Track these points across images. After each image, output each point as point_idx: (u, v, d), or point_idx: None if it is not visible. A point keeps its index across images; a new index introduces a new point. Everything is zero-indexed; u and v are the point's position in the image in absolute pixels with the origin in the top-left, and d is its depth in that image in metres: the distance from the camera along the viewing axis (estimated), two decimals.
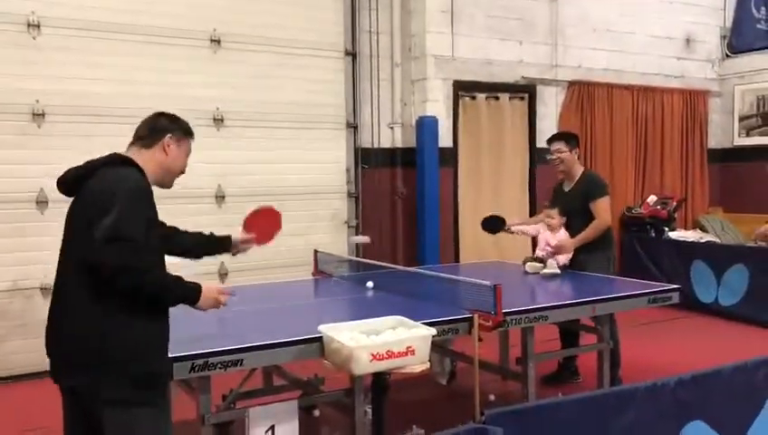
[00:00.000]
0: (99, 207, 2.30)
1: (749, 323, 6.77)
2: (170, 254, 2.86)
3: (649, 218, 8.14)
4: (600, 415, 2.38)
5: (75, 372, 2.40)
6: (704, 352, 5.81)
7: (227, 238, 3.17)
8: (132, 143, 2.60)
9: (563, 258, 4.73)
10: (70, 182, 2.50)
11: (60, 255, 2.52)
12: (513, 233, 5.16)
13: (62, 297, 2.46)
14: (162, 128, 2.60)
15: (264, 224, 3.27)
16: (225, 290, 2.62)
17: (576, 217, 4.83)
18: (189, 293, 2.50)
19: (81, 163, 2.51)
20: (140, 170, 2.48)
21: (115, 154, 2.53)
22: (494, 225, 5.15)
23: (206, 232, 3.17)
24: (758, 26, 9.01)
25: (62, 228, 2.52)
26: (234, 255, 3.35)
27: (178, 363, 2.69)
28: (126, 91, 5.75)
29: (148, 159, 2.54)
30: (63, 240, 2.51)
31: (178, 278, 2.48)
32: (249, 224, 3.28)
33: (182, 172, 2.70)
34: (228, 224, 6.29)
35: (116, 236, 2.24)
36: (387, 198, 7.24)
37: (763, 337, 6.32)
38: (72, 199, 2.53)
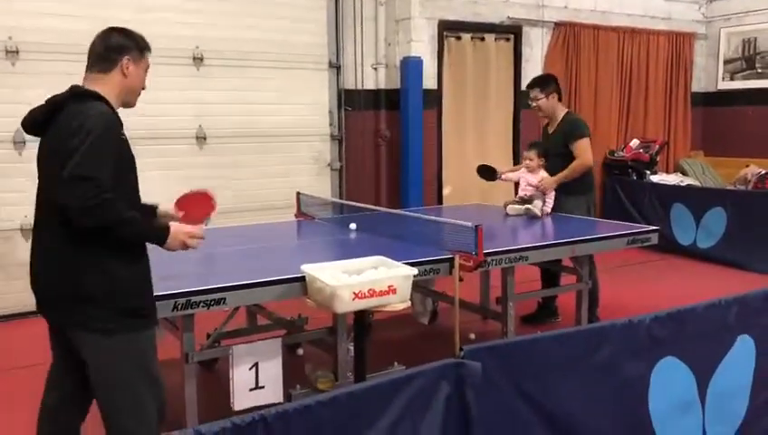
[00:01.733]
0: (65, 147, 2.27)
1: (726, 264, 6.90)
2: None
3: (631, 162, 8.20)
4: (576, 351, 2.43)
5: (57, 308, 2.44)
6: (681, 293, 5.92)
7: (153, 209, 3.05)
8: (89, 67, 2.52)
9: (549, 203, 4.75)
10: (35, 122, 2.47)
11: (36, 195, 2.50)
12: (504, 180, 5.20)
13: (40, 238, 2.49)
14: (118, 47, 2.51)
15: (195, 206, 3.19)
16: (197, 232, 2.58)
17: (557, 158, 4.84)
18: (156, 232, 2.48)
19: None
20: (105, 101, 2.43)
21: (76, 87, 2.47)
22: (488, 174, 5.18)
23: None
24: None
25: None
26: None
27: (161, 302, 2.70)
28: (103, 27, 5.59)
29: (108, 84, 2.49)
30: (39, 181, 2.50)
31: (146, 220, 2.49)
32: (180, 204, 3.20)
33: (143, 89, 2.64)
34: (210, 165, 6.28)
35: (80, 176, 2.22)
36: (370, 140, 7.20)
37: (740, 278, 6.46)
38: (39, 140, 2.50)
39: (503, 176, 5.15)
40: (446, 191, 4.86)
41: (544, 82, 5.02)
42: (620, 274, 6.36)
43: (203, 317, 3.00)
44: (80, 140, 2.25)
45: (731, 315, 2.84)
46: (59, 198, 2.26)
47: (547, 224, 4.64)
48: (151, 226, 2.52)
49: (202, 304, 2.81)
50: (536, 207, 4.70)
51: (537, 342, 2.42)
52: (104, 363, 2.43)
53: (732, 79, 9.05)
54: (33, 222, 2.56)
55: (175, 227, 2.53)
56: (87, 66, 2.54)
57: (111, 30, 2.57)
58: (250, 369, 3.11)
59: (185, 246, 2.55)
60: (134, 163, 2.53)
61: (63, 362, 2.60)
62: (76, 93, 2.43)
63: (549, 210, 4.77)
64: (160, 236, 2.48)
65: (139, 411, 2.48)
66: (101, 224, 2.28)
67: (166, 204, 3.06)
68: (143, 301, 2.50)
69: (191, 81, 6.12)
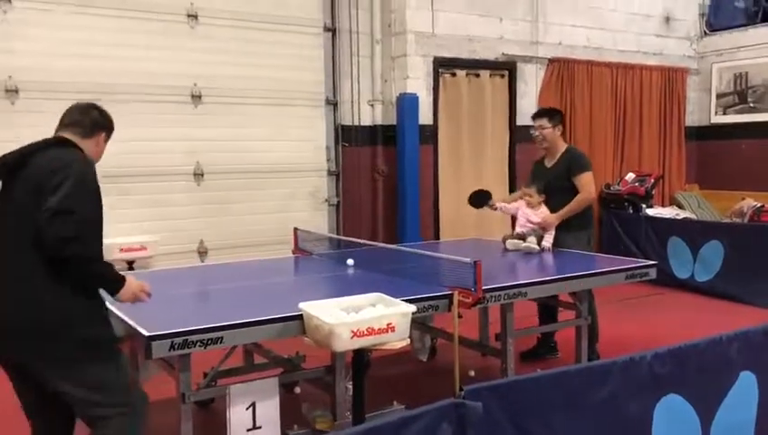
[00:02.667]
0: (48, 184, 2.43)
1: (724, 298, 6.88)
2: None
3: (627, 195, 8.22)
4: (577, 389, 2.41)
5: (19, 343, 2.48)
6: (680, 328, 5.91)
7: None
8: (67, 127, 2.73)
9: (549, 239, 4.74)
10: (7, 167, 2.59)
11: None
12: (495, 209, 5.15)
13: (2, 274, 2.54)
14: (98, 123, 2.79)
15: None
16: (147, 288, 2.70)
17: (557, 192, 4.83)
18: (114, 281, 2.60)
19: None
20: (83, 152, 2.64)
21: (57, 137, 2.67)
22: (480, 199, 5.13)
23: None
24: (736, 4, 9.05)
25: None
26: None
27: (157, 342, 2.68)
28: (102, 68, 5.65)
29: (83, 146, 2.70)
30: (2, 218, 2.58)
31: (110, 265, 2.62)
32: None
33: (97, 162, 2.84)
34: (206, 201, 6.28)
35: (64, 209, 2.38)
36: (367, 175, 7.22)
37: (738, 312, 6.43)
38: (3, 183, 2.63)
39: (497, 205, 5.11)
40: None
41: (552, 113, 5.06)
42: (619, 308, 6.33)
43: (199, 354, 2.97)
44: (64, 178, 2.43)
45: (733, 351, 2.82)
46: (41, 228, 2.37)
47: (546, 259, 4.62)
48: (114, 272, 2.62)
49: (199, 343, 2.78)
50: (534, 243, 4.69)
51: (538, 380, 2.39)
52: (77, 393, 2.51)
53: (725, 113, 9.14)
54: None
55: (130, 279, 2.65)
56: (64, 125, 2.73)
57: (93, 107, 2.84)
58: (247, 409, 3.06)
59: (135, 299, 2.67)
60: (102, 211, 2.65)
61: (31, 398, 2.65)
62: (59, 140, 2.64)
63: (549, 246, 4.75)
64: (118, 284, 2.60)
65: (122, 426, 2.58)
66: (73, 255, 2.40)
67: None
68: (105, 329, 2.61)
69: (189, 118, 6.16)
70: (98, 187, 2.59)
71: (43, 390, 2.58)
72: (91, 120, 2.77)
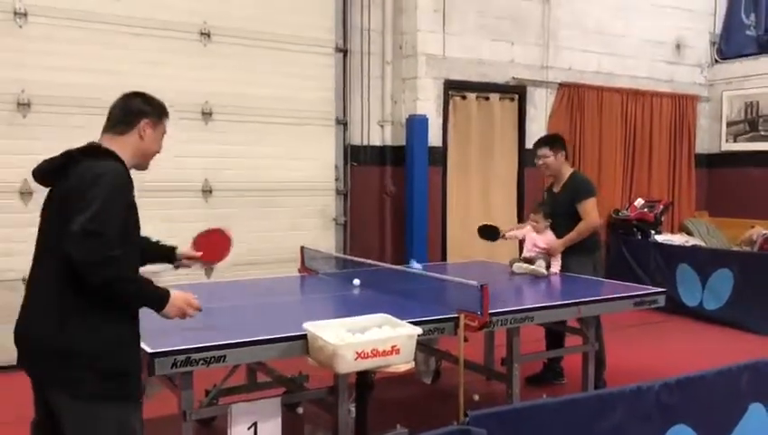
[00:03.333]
0: (77, 201, 2.27)
1: (733, 327, 6.81)
2: None
3: (636, 221, 8.18)
4: (584, 418, 2.38)
5: (42, 363, 2.36)
6: (688, 356, 5.84)
7: (172, 249, 3.04)
8: (107, 128, 2.54)
9: (556, 266, 4.73)
10: (46, 173, 2.47)
11: (36, 246, 2.49)
12: (507, 238, 5.17)
13: (34, 290, 2.44)
14: (137, 111, 2.54)
15: (213, 245, 3.16)
16: (195, 302, 2.54)
17: (563, 218, 4.82)
18: (158, 297, 2.43)
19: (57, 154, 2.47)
20: (120, 160, 2.45)
21: (93, 144, 2.49)
22: (490, 234, 5.17)
23: (154, 239, 3.02)
24: (747, 33, 9.07)
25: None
26: (176, 268, 3.15)
27: (160, 359, 2.66)
28: (113, 83, 5.66)
29: (124, 145, 2.50)
30: (39, 231, 2.48)
31: (149, 281, 2.43)
32: (199, 242, 3.17)
33: (158, 153, 2.65)
34: (216, 218, 6.27)
35: (92, 230, 2.20)
36: (376, 195, 7.22)
37: (747, 341, 6.36)
38: (48, 190, 2.50)
39: (506, 235, 5.13)
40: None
41: (553, 141, 5.05)
42: (626, 335, 6.27)
43: (201, 372, 2.94)
44: (93, 195, 2.25)
45: (742, 382, 2.78)
46: (66, 249, 2.22)
47: (553, 284, 4.59)
48: (153, 288, 2.44)
49: (202, 361, 2.76)
50: (542, 266, 4.66)
51: (544, 408, 2.36)
52: (84, 431, 2.34)
53: (735, 141, 9.11)
54: (29, 274, 2.51)
55: (175, 293, 2.48)
56: (105, 127, 2.56)
57: (133, 94, 2.61)
58: (249, 428, 3.03)
59: (182, 315, 2.51)
60: (139, 225, 2.51)
61: (44, 420, 2.51)
62: (93, 149, 2.45)
63: (557, 271, 4.73)
64: (161, 301, 2.44)
65: None
66: (105, 280, 2.25)
67: (184, 246, 3.04)
68: (131, 365, 2.41)
69: (199, 134, 6.18)
70: (131, 200, 2.40)
71: (54, 413, 2.42)
72: (127, 110, 2.52)
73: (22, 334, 2.45)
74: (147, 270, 2.61)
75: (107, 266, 2.23)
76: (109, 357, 2.33)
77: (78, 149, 2.45)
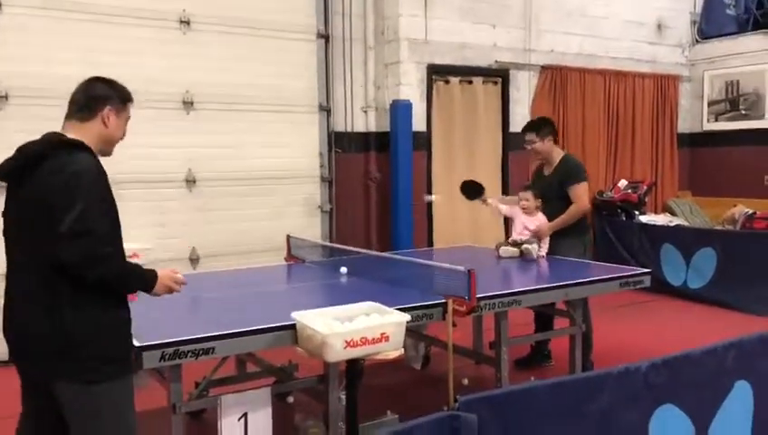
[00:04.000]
0: (60, 203, 2.26)
1: (717, 305, 6.89)
2: None
3: (620, 202, 8.23)
4: (573, 400, 2.39)
5: (39, 359, 2.37)
6: (673, 335, 5.91)
7: None
8: (70, 114, 2.50)
9: (543, 248, 4.74)
10: (12, 169, 2.41)
11: (11, 241, 2.46)
12: (488, 205, 5.10)
13: (20, 287, 2.42)
14: (100, 97, 2.50)
15: None
16: (179, 278, 2.59)
17: (553, 201, 4.83)
18: (147, 279, 2.49)
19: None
20: (90, 151, 2.42)
21: (59, 135, 2.43)
22: (473, 191, 5.10)
23: None
24: (727, 12, 9.11)
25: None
26: None
27: (148, 352, 2.64)
28: (92, 73, 5.58)
29: (88, 133, 2.47)
30: (9, 229, 2.46)
31: (137, 266, 2.49)
32: None
33: (122, 139, 2.61)
34: (199, 208, 6.24)
35: (81, 230, 2.22)
36: (360, 182, 7.20)
37: (731, 319, 6.44)
38: (9, 186, 2.46)
39: (490, 201, 5.08)
40: (432, 198, 4.96)
41: (539, 126, 5.03)
42: (612, 315, 6.32)
43: (190, 364, 2.93)
44: (76, 195, 2.25)
45: (728, 360, 2.81)
46: (58, 253, 2.23)
47: (540, 267, 4.61)
48: (144, 273, 2.49)
49: (190, 353, 2.74)
50: (533, 250, 4.67)
51: (533, 391, 2.38)
52: (85, 412, 2.39)
53: (717, 120, 9.18)
54: (7, 274, 2.49)
55: (161, 272, 2.54)
56: (67, 113, 2.52)
57: (95, 79, 2.57)
58: (239, 420, 3.02)
59: (169, 291, 2.57)
60: (118, 216, 2.50)
61: (35, 412, 2.54)
62: (62, 142, 2.40)
63: (544, 254, 4.75)
64: (150, 283, 2.50)
65: None
66: (101, 277, 2.28)
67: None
68: (125, 348, 2.48)
69: (181, 125, 6.12)
70: (110, 192, 2.40)
71: (47, 406, 2.45)
72: (90, 96, 2.48)
73: (17, 335, 2.44)
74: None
75: (102, 265, 2.27)
76: (107, 344, 2.39)
77: (44, 143, 2.40)
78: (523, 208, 4.83)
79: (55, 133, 2.46)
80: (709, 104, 9.23)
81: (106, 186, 2.39)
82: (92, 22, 5.68)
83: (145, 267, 2.54)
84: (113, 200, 2.43)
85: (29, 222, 2.39)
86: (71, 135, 2.44)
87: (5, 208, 2.50)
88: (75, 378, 2.35)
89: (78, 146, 2.40)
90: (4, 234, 2.52)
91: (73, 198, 2.24)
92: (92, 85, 2.54)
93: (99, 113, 2.49)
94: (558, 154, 5.03)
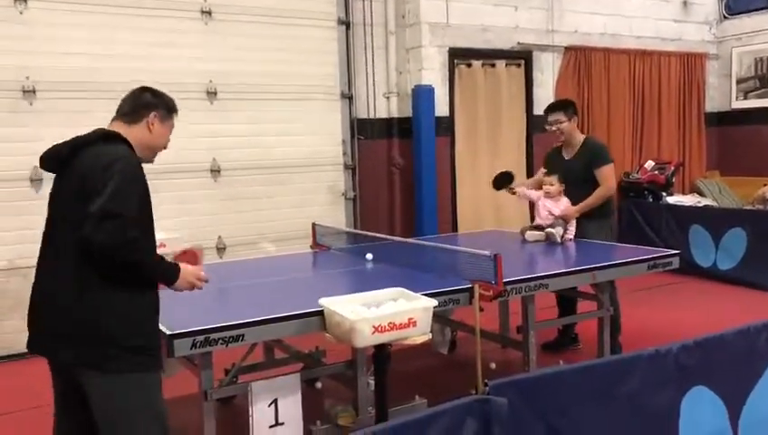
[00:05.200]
0: (93, 185, 2.31)
1: (747, 286, 6.79)
2: None
3: (647, 184, 8.13)
4: (603, 383, 2.38)
5: (68, 347, 2.40)
6: (703, 317, 5.84)
7: None
8: (115, 118, 2.59)
9: (571, 232, 4.69)
10: (54, 159, 2.49)
11: (46, 230, 2.52)
12: (514, 193, 5.06)
13: (51, 274, 2.46)
14: (146, 104, 2.60)
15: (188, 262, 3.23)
16: (203, 275, 2.62)
17: (577, 185, 4.78)
18: (169, 273, 2.52)
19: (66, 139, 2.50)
20: (129, 145, 2.49)
21: (102, 130, 2.52)
22: (502, 180, 5.06)
23: None
24: None
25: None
26: None
27: (179, 340, 2.68)
28: (116, 66, 5.66)
29: (132, 136, 2.54)
30: (51, 216, 2.51)
31: (162, 259, 2.52)
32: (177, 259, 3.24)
33: (164, 148, 2.70)
34: (224, 197, 6.29)
35: (109, 213, 2.26)
36: (384, 168, 7.20)
37: (761, 300, 6.34)
38: (56, 175, 2.53)
39: (517, 190, 5.03)
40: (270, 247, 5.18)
41: (566, 106, 4.98)
42: (640, 298, 6.27)
43: (220, 351, 2.97)
44: (109, 178, 2.30)
45: (761, 342, 2.77)
46: (85, 234, 2.26)
47: (566, 250, 4.58)
48: (167, 265, 2.53)
49: (221, 341, 2.78)
50: (558, 233, 4.63)
51: (562, 374, 2.37)
52: (113, 403, 2.41)
53: (746, 98, 8.99)
54: (39, 262, 2.54)
55: (184, 267, 2.57)
56: (114, 117, 2.60)
57: (144, 89, 2.66)
58: (269, 406, 3.06)
59: (191, 287, 2.60)
60: (151, 206, 2.55)
61: (64, 401, 2.58)
62: (105, 134, 2.48)
63: (571, 237, 4.70)
64: (173, 276, 2.52)
65: None
66: (126, 261, 2.31)
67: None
68: (153, 339, 2.51)
69: (205, 115, 6.16)
70: (144, 182, 2.44)
71: (74, 395, 2.49)
72: (137, 104, 2.58)
73: (44, 322, 2.47)
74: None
75: (126, 249, 2.29)
76: (136, 334, 2.41)
77: (89, 135, 2.48)
78: (547, 193, 4.78)
79: (102, 128, 2.54)
80: (738, 82, 9.04)
81: (140, 174, 2.44)
82: (117, 15, 5.73)
83: (171, 261, 2.57)
84: (147, 190, 2.46)
85: (64, 208, 2.44)
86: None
87: (49, 200, 2.55)
88: (101, 368, 2.37)
89: (119, 138, 2.48)
90: (46, 224, 2.56)
91: (106, 181, 2.29)
92: (140, 94, 2.63)
93: (144, 119, 2.58)
94: (580, 137, 4.98)
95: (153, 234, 2.54)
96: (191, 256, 2.97)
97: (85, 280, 2.35)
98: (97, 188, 2.29)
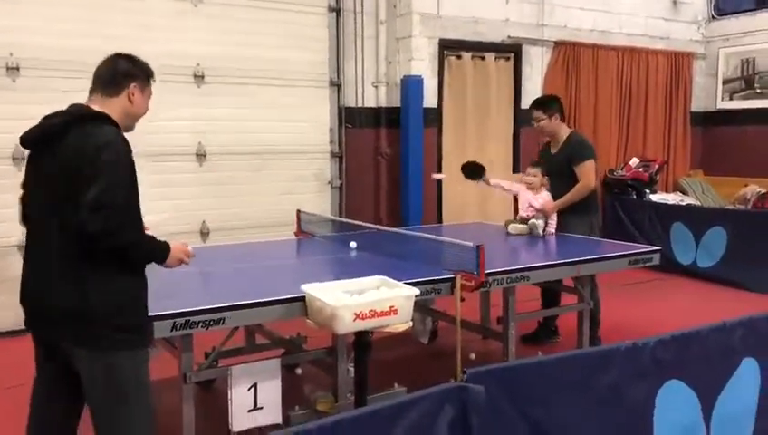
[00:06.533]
0: (85, 170, 2.30)
1: (725, 284, 6.87)
2: None
3: (631, 181, 8.19)
4: (580, 374, 2.40)
5: (58, 325, 2.41)
6: (682, 314, 5.91)
7: None
8: (95, 90, 2.56)
9: (552, 224, 4.73)
10: (40, 138, 2.47)
11: (33, 210, 2.52)
12: (489, 185, 5.12)
13: (40, 255, 2.46)
14: (125, 74, 2.56)
15: None
16: (189, 251, 2.65)
17: (560, 179, 4.81)
18: (161, 251, 2.54)
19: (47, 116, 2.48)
20: (117, 126, 2.47)
21: (87, 108, 2.49)
22: (473, 172, 5.10)
23: None
24: None
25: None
26: None
27: (160, 322, 2.67)
28: (102, 46, 5.49)
29: (113, 108, 2.52)
30: (34, 198, 2.50)
31: (152, 238, 2.52)
32: None
33: (144, 115, 2.68)
34: (209, 182, 6.26)
35: (105, 202, 2.27)
36: (371, 157, 7.19)
37: (740, 298, 6.43)
38: (34, 154, 2.51)
39: (492, 181, 5.09)
40: (441, 176, 5.23)
41: (546, 103, 5.01)
42: (620, 293, 6.33)
43: (200, 334, 2.97)
44: (102, 166, 2.30)
45: (736, 338, 2.81)
46: (80, 222, 2.27)
47: (549, 244, 4.61)
48: (158, 244, 2.53)
49: (201, 323, 2.78)
50: (539, 226, 4.66)
51: (540, 365, 2.39)
52: (104, 379, 2.42)
53: (731, 98, 9.08)
54: (28, 241, 2.54)
55: (174, 244, 2.58)
56: (91, 89, 2.57)
57: (118, 56, 2.61)
58: (249, 390, 3.07)
59: (180, 263, 2.62)
60: (137, 187, 2.53)
61: (52, 379, 2.58)
62: (91, 114, 2.46)
63: (552, 231, 4.74)
64: (164, 254, 2.54)
65: (135, 427, 2.48)
66: (119, 246, 2.34)
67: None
68: (144, 317, 2.53)
69: (192, 98, 6.12)
70: (133, 165, 2.43)
71: (64, 373, 2.50)
72: (115, 73, 2.53)
73: (36, 300, 2.49)
74: None
75: (120, 235, 2.31)
76: (125, 313, 2.43)
77: (72, 114, 2.45)
78: (528, 184, 4.81)
79: (81, 105, 2.51)
80: (724, 82, 9.13)
81: (130, 159, 2.43)
82: None
83: (160, 239, 2.57)
84: (134, 171, 2.45)
85: (52, 191, 2.42)
86: (96, 108, 2.49)
87: (26, 178, 2.55)
88: (94, 345, 2.38)
89: (105, 118, 2.46)
90: (23, 201, 2.57)
91: (100, 169, 2.29)
92: (117, 62, 2.59)
93: (125, 90, 2.55)
94: (565, 132, 5.01)
95: (140, 215, 2.51)
96: None
97: (74, 260, 2.36)
98: (90, 175, 2.28)
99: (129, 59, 2.61)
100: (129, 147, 2.45)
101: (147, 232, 2.51)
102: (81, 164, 2.32)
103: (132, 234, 2.37)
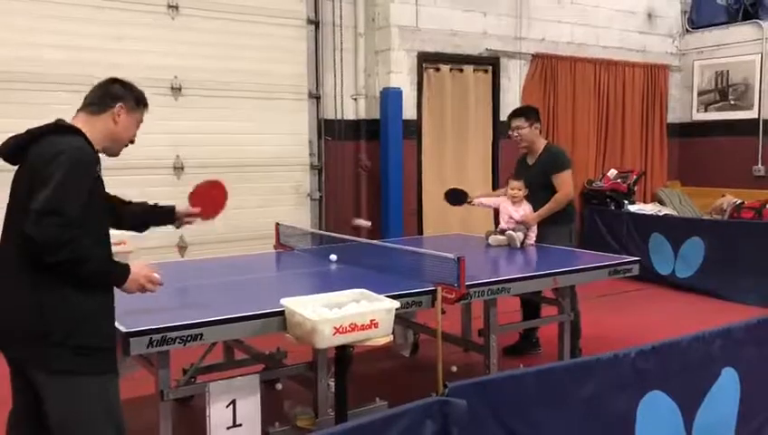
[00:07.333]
0: (38, 178, 2.24)
1: (704, 294, 6.93)
2: (116, 226, 2.79)
3: (609, 192, 8.25)
4: (562, 386, 2.39)
5: (16, 344, 2.34)
6: (661, 324, 5.94)
7: (171, 209, 3.07)
8: (81, 108, 2.51)
9: (531, 237, 4.74)
10: (12, 150, 2.41)
11: (4, 223, 2.44)
12: (474, 205, 5.17)
13: (4, 268, 2.38)
14: (114, 95, 2.51)
15: (210, 198, 3.17)
16: (155, 278, 2.49)
17: (538, 190, 4.84)
18: (117, 275, 2.39)
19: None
20: (85, 138, 2.40)
21: (59, 121, 2.45)
22: (456, 198, 5.17)
23: (150, 202, 3.05)
24: (718, 2, 9.11)
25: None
26: (177, 227, 3.20)
27: (135, 338, 2.61)
28: (79, 59, 5.54)
29: (95, 126, 2.46)
30: (7, 210, 2.42)
31: (107, 258, 2.41)
32: (195, 198, 3.17)
33: (131, 142, 2.62)
34: (187, 195, 6.18)
35: (51, 210, 2.18)
36: (350, 170, 7.18)
37: (718, 308, 6.48)
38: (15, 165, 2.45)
39: (475, 201, 5.13)
40: (364, 223, 5.32)
41: (527, 112, 5.05)
42: (600, 304, 6.35)
43: (178, 350, 2.91)
44: (53, 170, 2.21)
45: (715, 348, 2.82)
46: (26, 229, 2.18)
47: (529, 255, 4.62)
48: (113, 265, 2.41)
49: (178, 340, 2.72)
50: (518, 238, 4.67)
51: (522, 377, 2.38)
52: (65, 406, 2.32)
53: (706, 110, 9.20)
54: None
55: (135, 268, 2.44)
56: (80, 107, 2.52)
57: (114, 80, 2.58)
58: (227, 406, 3.01)
59: (142, 289, 2.48)
60: (104, 202, 2.46)
61: (24, 395, 2.48)
62: (56, 125, 2.40)
63: (532, 242, 4.75)
64: (120, 278, 2.41)
65: None
66: (64, 260, 2.21)
67: (181, 204, 3.01)
68: (103, 339, 2.40)
69: (169, 111, 6.07)
70: (92, 175, 2.33)
71: (33, 395, 2.39)
72: (104, 94, 2.48)
73: None
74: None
75: (62, 248, 2.19)
76: (82, 332, 2.31)
77: (44, 126, 2.40)
78: (513, 198, 4.83)
79: (60, 119, 2.46)
80: (699, 94, 9.26)
81: (89, 171, 2.34)
82: (79, 6, 5.62)
83: (120, 261, 2.46)
84: (96, 187, 2.38)
85: (15, 202, 2.37)
86: (78, 125, 2.43)
87: (10, 192, 2.46)
88: (53, 369, 2.28)
89: (70, 129, 2.39)
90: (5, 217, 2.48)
91: (50, 176, 2.21)
92: (109, 85, 2.55)
93: (110, 109, 2.49)
94: (541, 143, 5.05)
95: (102, 230, 2.44)
96: (209, 192, 2.90)
97: (32, 276, 2.27)
98: (40, 183, 2.21)
99: (122, 83, 2.57)
100: (93, 159, 2.37)
101: (121, 246, 2.45)
102: (35, 172, 2.26)
103: (75, 250, 2.21)
